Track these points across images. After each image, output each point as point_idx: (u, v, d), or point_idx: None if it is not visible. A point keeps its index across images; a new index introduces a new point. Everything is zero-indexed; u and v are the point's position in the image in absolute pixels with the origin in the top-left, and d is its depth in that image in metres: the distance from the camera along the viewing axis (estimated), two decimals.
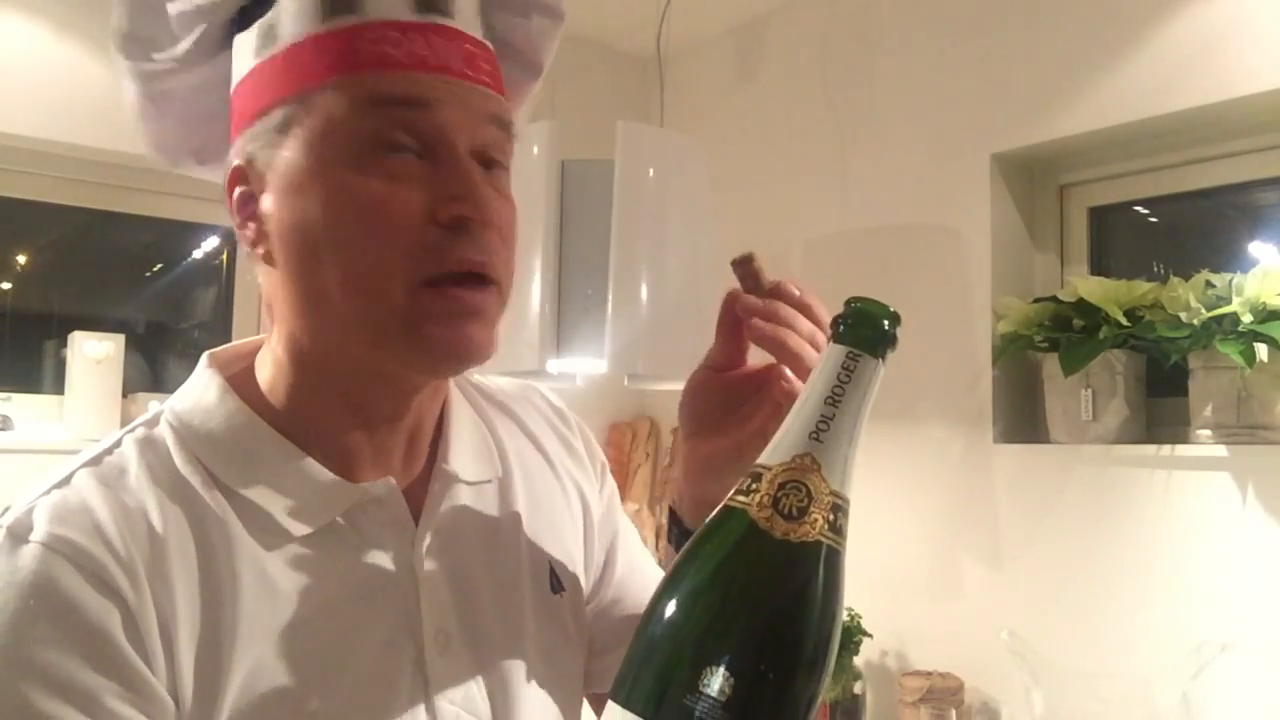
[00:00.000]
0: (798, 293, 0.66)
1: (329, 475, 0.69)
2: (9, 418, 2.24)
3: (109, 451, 0.68)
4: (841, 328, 0.50)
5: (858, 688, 2.31)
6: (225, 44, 0.71)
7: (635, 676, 0.46)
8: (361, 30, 0.65)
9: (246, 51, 0.68)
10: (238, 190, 0.69)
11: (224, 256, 2.66)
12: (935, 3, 2.37)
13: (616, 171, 1.96)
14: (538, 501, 0.81)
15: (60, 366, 2.36)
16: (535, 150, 1.95)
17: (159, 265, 2.69)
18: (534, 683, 0.74)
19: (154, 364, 2.58)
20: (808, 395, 0.49)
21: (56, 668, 0.58)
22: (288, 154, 0.66)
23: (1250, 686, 1.77)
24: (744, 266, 0.65)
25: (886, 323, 0.50)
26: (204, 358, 0.74)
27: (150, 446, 0.68)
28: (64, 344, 2.35)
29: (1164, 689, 1.79)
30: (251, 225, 0.69)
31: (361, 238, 0.64)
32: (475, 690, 0.71)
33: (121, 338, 2.34)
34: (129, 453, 0.67)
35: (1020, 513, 2.15)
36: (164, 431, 0.69)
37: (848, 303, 0.51)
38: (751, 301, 0.66)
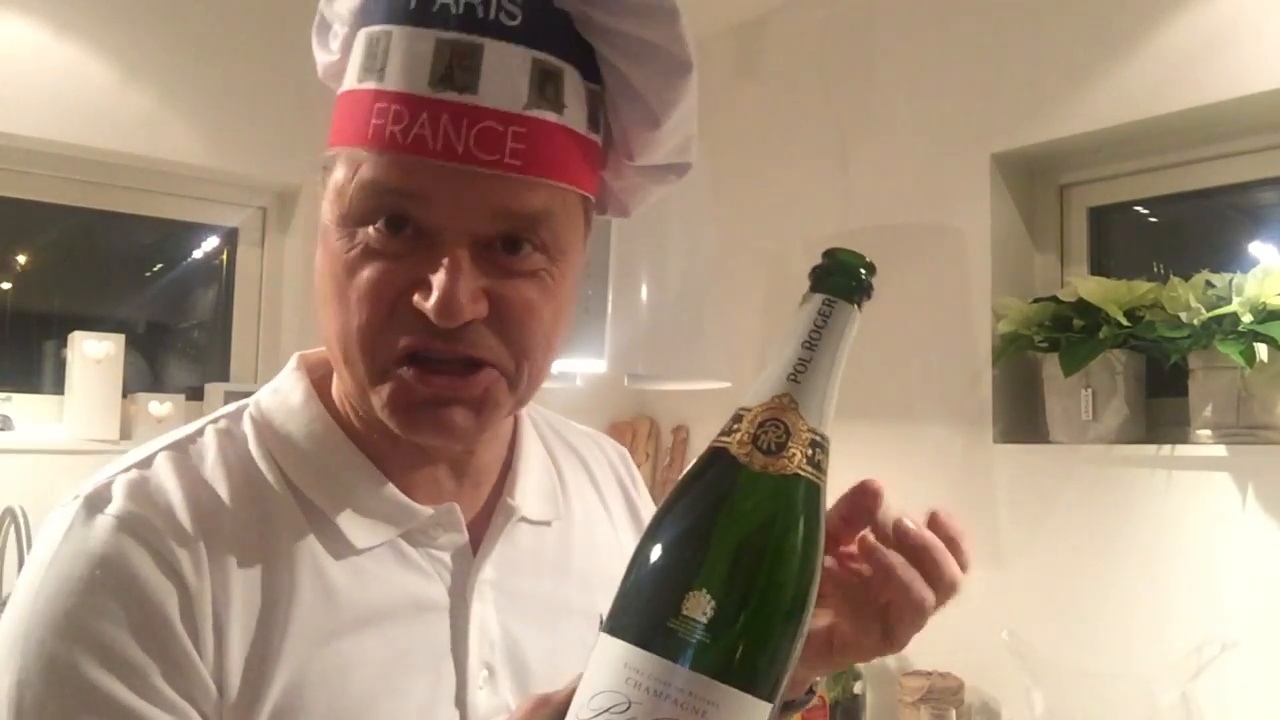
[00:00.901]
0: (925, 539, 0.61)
1: (397, 494, 0.70)
2: (9, 418, 2.24)
3: (191, 439, 0.70)
4: (819, 277, 0.52)
5: (858, 688, 2.31)
6: None
7: (623, 607, 0.48)
8: (379, 98, 0.62)
9: (344, 75, 0.69)
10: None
11: (224, 256, 2.66)
12: (935, 3, 2.37)
13: None
14: (595, 549, 0.81)
15: (60, 366, 2.36)
16: None
17: (159, 265, 2.69)
18: None
19: (154, 364, 2.58)
20: (786, 340, 0.51)
21: (111, 640, 0.60)
22: (323, 199, 0.67)
23: (1250, 686, 1.77)
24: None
25: (863, 272, 0.52)
26: (294, 358, 0.76)
27: (230, 439, 0.70)
28: (64, 344, 2.35)
29: (1164, 689, 1.79)
30: None
31: (344, 304, 0.64)
32: None
33: (121, 338, 2.34)
34: (209, 442, 0.69)
35: (1020, 513, 2.15)
36: (246, 426, 0.71)
37: (825, 253, 0.53)
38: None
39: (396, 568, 0.69)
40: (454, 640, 0.70)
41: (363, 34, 0.65)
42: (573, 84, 0.65)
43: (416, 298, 0.62)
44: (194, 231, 2.63)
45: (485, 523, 0.74)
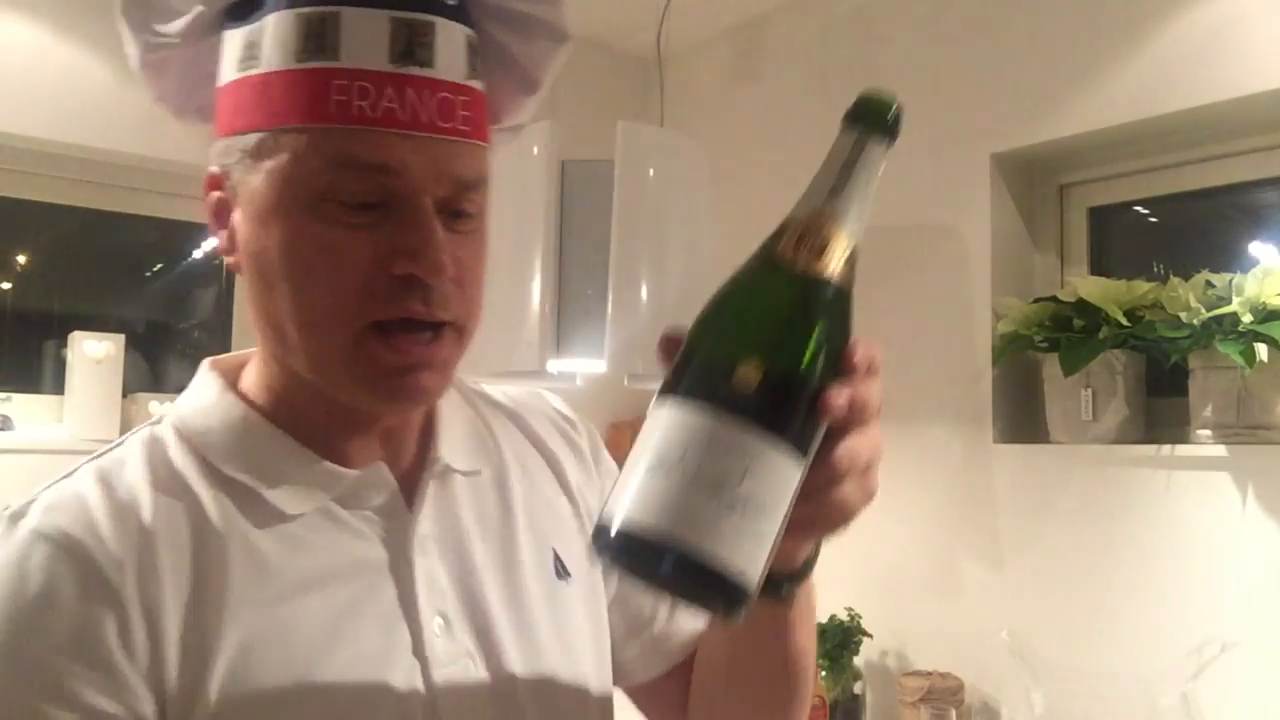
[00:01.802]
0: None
1: (320, 461, 0.71)
2: (9, 418, 2.24)
3: (113, 451, 0.72)
4: (853, 116, 0.58)
5: (858, 688, 2.31)
6: (219, 28, 0.71)
7: (679, 376, 0.55)
8: (334, 75, 0.65)
9: (233, 58, 0.69)
10: (215, 195, 0.72)
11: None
12: (935, 3, 2.37)
13: (616, 171, 1.96)
14: (538, 494, 0.83)
15: (60, 366, 2.36)
16: (535, 150, 1.95)
17: (159, 265, 2.69)
18: (541, 665, 0.75)
19: (154, 364, 2.58)
20: (825, 167, 0.58)
21: (37, 657, 0.61)
22: (257, 182, 0.67)
23: (1250, 686, 1.77)
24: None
25: (892, 112, 0.58)
26: (205, 363, 0.77)
27: (152, 444, 0.71)
28: (64, 344, 2.35)
29: (1164, 689, 1.79)
30: (224, 233, 0.72)
31: (312, 280, 0.66)
32: (474, 670, 0.72)
33: (121, 338, 2.34)
34: (131, 450, 0.71)
35: (1020, 513, 2.15)
36: (165, 430, 0.72)
37: (860, 94, 0.59)
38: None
39: (331, 532, 0.70)
40: (401, 595, 0.71)
41: (288, 15, 0.66)
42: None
43: (398, 263, 0.65)
44: (194, 231, 2.62)
45: (417, 481, 0.75)
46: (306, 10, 0.66)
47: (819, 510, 0.57)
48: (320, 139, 0.65)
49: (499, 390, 0.90)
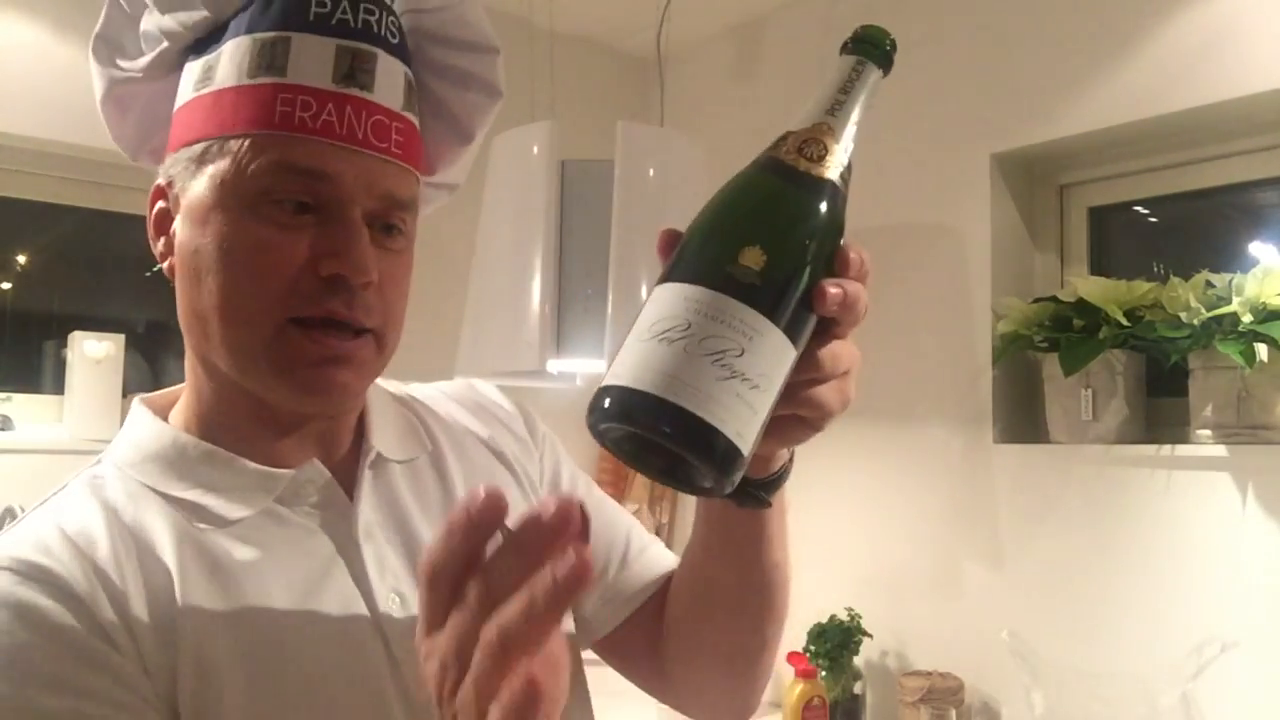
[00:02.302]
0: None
1: (254, 466, 0.74)
2: (9, 418, 2.24)
3: (55, 495, 0.74)
4: (852, 43, 0.63)
5: (858, 688, 2.31)
6: (181, 65, 0.77)
7: (684, 259, 0.59)
8: (281, 89, 0.70)
9: (190, 82, 0.75)
10: (157, 206, 0.77)
11: None
12: (935, 3, 2.37)
13: (616, 171, 1.95)
14: (475, 469, 0.87)
15: (60, 366, 2.36)
16: (535, 150, 1.95)
17: (159, 265, 2.68)
18: None
19: (154, 364, 2.58)
20: (824, 87, 0.63)
21: (50, 668, 0.62)
22: (198, 186, 0.72)
23: (1250, 686, 1.78)
24: None
25: (888, 42, 0.63)
26: (135, 400, 0.81)
27: (92, 481, 0.74)
28: (64, 344, 2.35)
29: (1164, 689, 1.79)
30: (162, 240, 0.77)
31: (242, 274, 0.70)
32: None
33: (121, 338, 2.34)
34: (74, 489, 0.73)
35: (1020, 513, 2.15)
36: (105, 468, 0.75)
37: (858, 28, 0.63)
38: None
39: (277, 530, 0.73)
40: (355, 578, 0.74)
41: (246, 40, 0.72)
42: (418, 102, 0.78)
43: (325, 264, 0.70)
44: None
45: (354, 473, 0.79)
46: (261, 35, 0.72)
47: (799, 407, 0.60)
48: (263, 143, 0.70)
49: (430, 387, 0.94)
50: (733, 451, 0.54)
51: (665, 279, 0.59)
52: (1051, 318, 2.08)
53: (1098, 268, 2.25)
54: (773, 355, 0.56)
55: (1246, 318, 1.77)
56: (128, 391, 2.36)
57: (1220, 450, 1.84)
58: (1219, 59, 1.88)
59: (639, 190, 1.98)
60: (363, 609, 0.73)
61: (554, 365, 1.96)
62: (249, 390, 0.74)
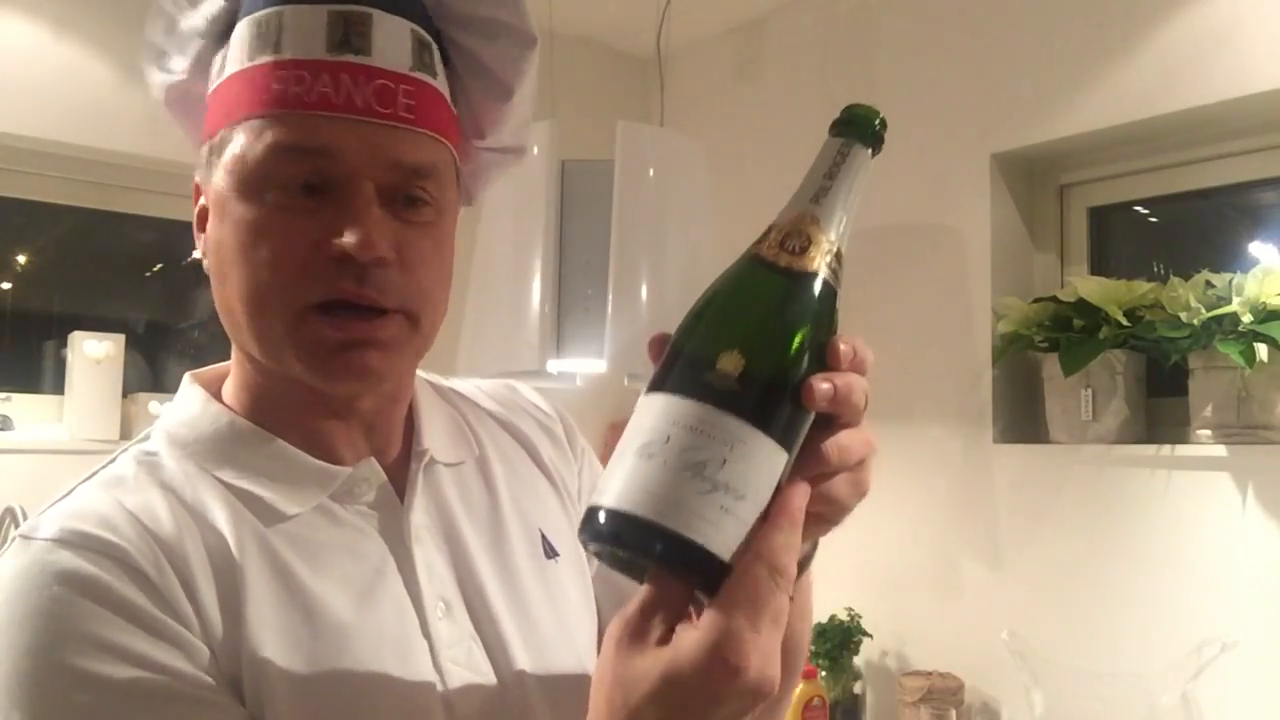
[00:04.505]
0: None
1: (311, 460, 0.73)
2: (9, 418, 2.24)
3: (106, 468, 0.72)
4: (840, 125, 0.61)
5: (858, 688, 2.31)
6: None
7: (666, 370, 0.57)
8: (276, 67, 0.68)
9: (213, 75, 0.74)
10: (199, 205, 0.75)
11: None
12: (935, 3, 2.37)
13: (616, 171, 1.96)
14: (519, 477, 0.85)
15: (60, 366, 2.36)
16: (535, 150, 1.95)
17: (159, 265, 2.68)
18: (539, 643, 0.77)
19: (154, 364, 2.58)
20: (810, 174, 0.60)
21: (111, 636, 0.61)
22: (216, 179, 0.71)
23: (1250, 686, 1.78)
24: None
25: (877, 122, 0.61)
26: (186, 377, 0.79)
27: (145, 457, 0.72)
28: (64, 344, 2.35)
29: (1164, 689, 1.79)
30: (202, 238, 0.75)
31: (257, 263, 0.68)
32: (476, 652, 0.74)
33: (121, 338, 2.34)
34: (125, 464, 0.72)
35: (1020, 513, 2.15)
36: (158, 444, 0.74)
37: (845, 108, 0.62)
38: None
39: (331, 529, 0.72)
40: (406, 582, 0.73)
41: (245, 23, 0.70)
42: (438, 59, 0.74)
43: (330, 244, 0.67)
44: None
45: (404, 473, 0.78)
46: (257, 14, 0.70)
47: (811, 504, 0.57)
48: (262, 127, 0.68)
49: (470, 384, 0.92)
50: (720, 567, 0.53)
51: (650, 388, 0.57)
52: (1051, 318, 2.08)
53: (1098, 268, 2.25)
54: (759, 461, 0.54)
55: (1246, 318, 1.77)
56: (128, 391, 2.36)
57: (1220, 450, 1.84)
58: (1219, 59, 1.88)
59: (639, 190, 1.98)
60: (413, 615, 0.72)
61: (554, 365, 1.96)
62: (289, 377, 0.72)
